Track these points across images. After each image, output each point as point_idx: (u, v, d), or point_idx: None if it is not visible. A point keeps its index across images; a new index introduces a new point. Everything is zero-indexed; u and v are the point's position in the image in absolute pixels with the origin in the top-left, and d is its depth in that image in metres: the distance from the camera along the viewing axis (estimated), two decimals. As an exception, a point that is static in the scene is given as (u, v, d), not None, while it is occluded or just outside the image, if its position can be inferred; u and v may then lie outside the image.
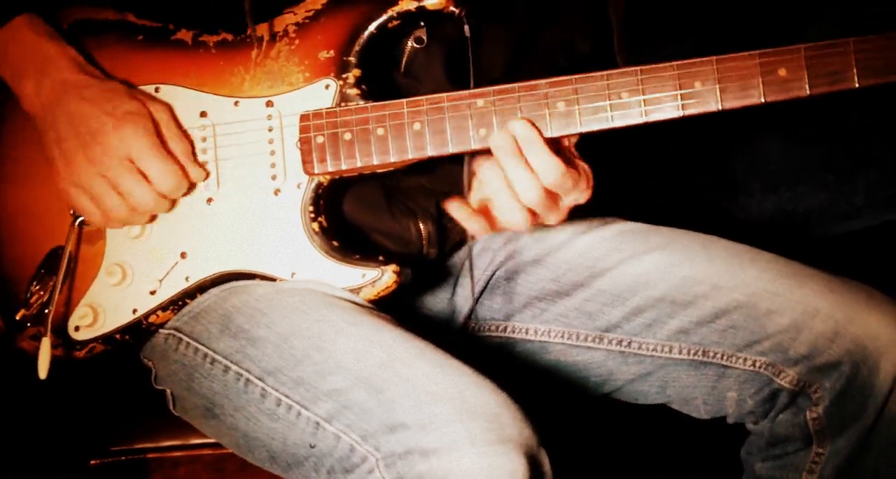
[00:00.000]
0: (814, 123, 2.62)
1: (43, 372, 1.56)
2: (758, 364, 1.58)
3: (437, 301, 1.76)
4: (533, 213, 1.48)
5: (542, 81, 1.47)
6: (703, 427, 1.73)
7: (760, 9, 2.50)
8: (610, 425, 2.08)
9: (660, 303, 1.62)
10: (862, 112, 2.62)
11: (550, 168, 1.45)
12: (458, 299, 1.76)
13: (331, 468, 1.36)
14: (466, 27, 1.53)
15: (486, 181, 1.51)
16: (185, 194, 1.58)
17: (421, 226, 1.68)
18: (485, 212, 1.50)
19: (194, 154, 1.58)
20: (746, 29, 2.51)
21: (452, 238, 1.71)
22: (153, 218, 1.60)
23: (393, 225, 1.66)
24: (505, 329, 1.74)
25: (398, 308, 1.68)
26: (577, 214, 1.75)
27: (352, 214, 1.64)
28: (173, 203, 1.58)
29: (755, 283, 1.59)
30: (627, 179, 2.67)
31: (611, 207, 1.78)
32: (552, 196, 1.48)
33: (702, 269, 1.62)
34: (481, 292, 1.76)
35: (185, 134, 1.58)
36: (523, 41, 1.70)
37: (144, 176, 1.53)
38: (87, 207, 1.56)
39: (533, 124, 1.47)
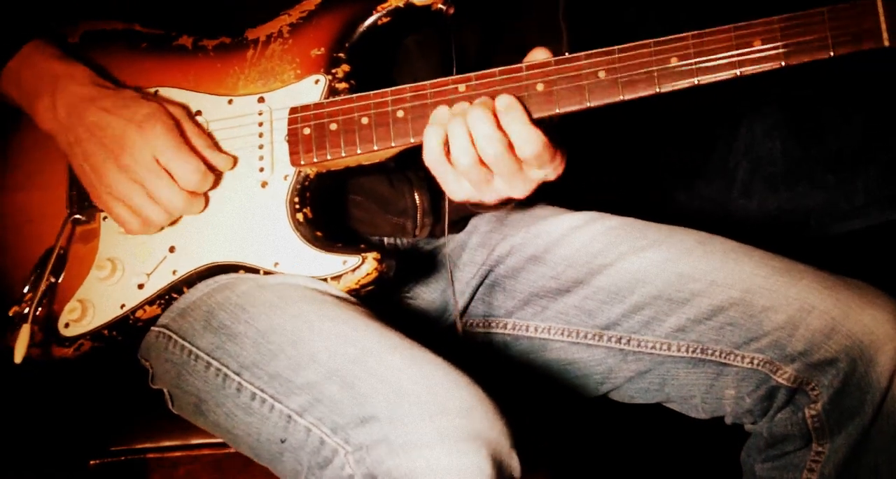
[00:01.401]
0: (814, 122, 2.61)
1: (18, 357, 1.57)
2: (755, 362, 1.57)
3: (431, 292, 1.77)
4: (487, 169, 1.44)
5: (522, 65, 1.47)
6: (702, 430, 1.72)
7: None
8: (610, 427, 2.07)
9: (657, 300, 1.62)
10: (862, 112, 2.62)
11: (530, 140, 1.41)
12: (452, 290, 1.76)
13: (309, 463, 1.34)
14: (449, 16, 1.54)
15: None
16: None
17: (416, 195, 1.69)
18: None
19: (217, 145, 1.58)
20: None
21: (449, 215, 1.71)
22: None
23: (390, 192, 1.69)
24: (506, 326, 1.74)
25: (393, 301, 1.69)
26: (572, 208, 1.76)
27: (351, 180, 1.65)
28: (207, 199, 1.58)
29: (751, 279, 1.58)
30: (626, 177, 2.67)
31: (609, 205, 1.78)
32: (517, 163, 1.44)
33: (698, 265, 1.62)
34: (477, 287, 1.76)
35: (202, 128, 1.59)
36: (496, 31, 1.71)
37: (171, 176, 1.53)
38: (126, 216, 1.56)
39: (519, 99, 1.45)
